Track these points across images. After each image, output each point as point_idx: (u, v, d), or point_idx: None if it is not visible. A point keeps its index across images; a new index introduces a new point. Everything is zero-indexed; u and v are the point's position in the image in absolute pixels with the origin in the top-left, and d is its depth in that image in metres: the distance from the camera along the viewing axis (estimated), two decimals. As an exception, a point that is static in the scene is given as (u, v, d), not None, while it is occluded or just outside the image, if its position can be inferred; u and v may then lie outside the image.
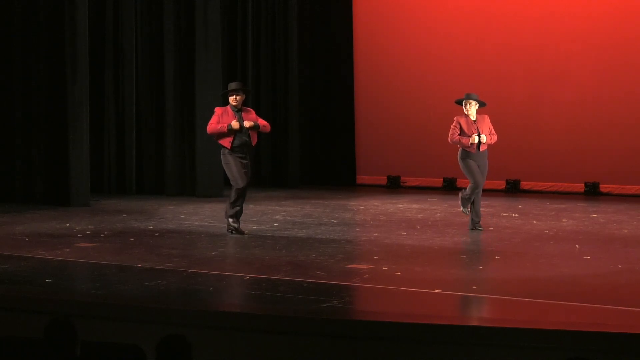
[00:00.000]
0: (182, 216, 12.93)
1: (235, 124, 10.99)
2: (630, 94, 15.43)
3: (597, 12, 15.65)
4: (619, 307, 7.43)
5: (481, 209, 11.62)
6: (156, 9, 15.85)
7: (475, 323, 7.16)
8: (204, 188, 15.33)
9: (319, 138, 17.79)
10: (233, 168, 11.04)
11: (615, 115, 15.53)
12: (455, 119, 11.38)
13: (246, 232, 11.20)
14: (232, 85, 11.33)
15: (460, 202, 11.47)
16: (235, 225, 11.11)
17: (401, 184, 17.02)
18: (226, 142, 11.05)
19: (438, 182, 16.54)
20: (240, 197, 11.12)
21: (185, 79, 15.60)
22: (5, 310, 7.31)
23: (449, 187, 16.29)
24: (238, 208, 11.15)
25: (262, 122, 11.27)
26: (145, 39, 15.95)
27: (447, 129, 11.40)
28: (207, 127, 11.21)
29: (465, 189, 11.50)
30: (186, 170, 15.66)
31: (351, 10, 17.49)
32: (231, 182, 11.19)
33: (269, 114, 16.64)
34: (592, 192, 15.60)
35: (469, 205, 11.39)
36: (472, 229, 11.39)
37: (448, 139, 11.40)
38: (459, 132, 11.29)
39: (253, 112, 11.40)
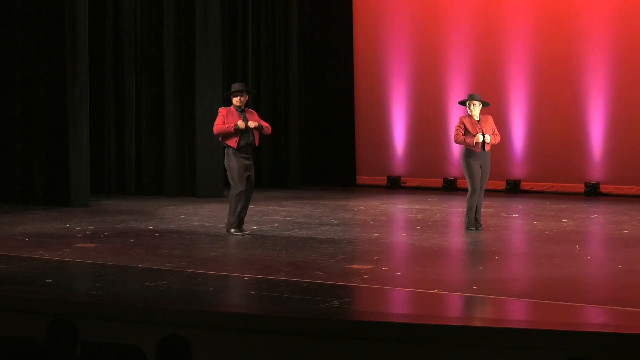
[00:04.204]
0: (182, 216, 12.93)
1: (241, 124, 11.01)
2: (631, 94, 15.43)
3: (599, 12, 15.64)
4: (619, 307, 7.42)
5: (482, 209, 11.58)
6: (156, 8, 15.85)
7: (475, 323, 7.15)
8: (204, 188, 15.32)
9: (319, 138, 17.78)
10: (235, 172, 11.03)
11: (615, 115, 15.52)
12: (459, 119, 11.40)
13: (247, 232, 11.19)
14: (236, 87, 11.36)
15: (465, 221, 11.42)
16: (239, 234, 11.09)
17: (401, 184, 17.01)
18: (232, 141, 11.05)
19: (438, 182, 16.53)
20: (240, 205, 11.05)
21: (185, 79, 15.60)
22: (6, 310, 7.31)
23: (449, 187, 16.28)
24: (241, 216, 11.13)
25: (264, 123, 11.28)
26: (145, 39, 15.95)
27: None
28: (214, 128, 11.19)
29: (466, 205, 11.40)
30: (186, 170, 15.66)
31: (351, 11, 17.48)
32: (231, 185, 11.17)
33: (269, 114, 16.63)
34: (592, 193, 15.59)
35: (474, 223, 11.31)
36: (467, 228, 11.35)
37: (453, 139, 11.37)
38: (463, 132, 11.27)
39: (255, 113, 11.42)
